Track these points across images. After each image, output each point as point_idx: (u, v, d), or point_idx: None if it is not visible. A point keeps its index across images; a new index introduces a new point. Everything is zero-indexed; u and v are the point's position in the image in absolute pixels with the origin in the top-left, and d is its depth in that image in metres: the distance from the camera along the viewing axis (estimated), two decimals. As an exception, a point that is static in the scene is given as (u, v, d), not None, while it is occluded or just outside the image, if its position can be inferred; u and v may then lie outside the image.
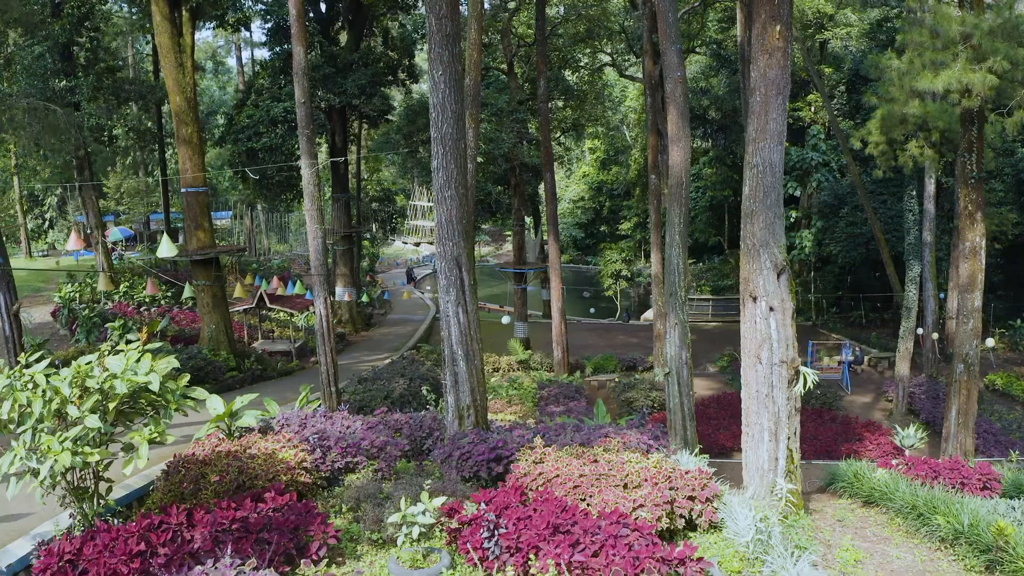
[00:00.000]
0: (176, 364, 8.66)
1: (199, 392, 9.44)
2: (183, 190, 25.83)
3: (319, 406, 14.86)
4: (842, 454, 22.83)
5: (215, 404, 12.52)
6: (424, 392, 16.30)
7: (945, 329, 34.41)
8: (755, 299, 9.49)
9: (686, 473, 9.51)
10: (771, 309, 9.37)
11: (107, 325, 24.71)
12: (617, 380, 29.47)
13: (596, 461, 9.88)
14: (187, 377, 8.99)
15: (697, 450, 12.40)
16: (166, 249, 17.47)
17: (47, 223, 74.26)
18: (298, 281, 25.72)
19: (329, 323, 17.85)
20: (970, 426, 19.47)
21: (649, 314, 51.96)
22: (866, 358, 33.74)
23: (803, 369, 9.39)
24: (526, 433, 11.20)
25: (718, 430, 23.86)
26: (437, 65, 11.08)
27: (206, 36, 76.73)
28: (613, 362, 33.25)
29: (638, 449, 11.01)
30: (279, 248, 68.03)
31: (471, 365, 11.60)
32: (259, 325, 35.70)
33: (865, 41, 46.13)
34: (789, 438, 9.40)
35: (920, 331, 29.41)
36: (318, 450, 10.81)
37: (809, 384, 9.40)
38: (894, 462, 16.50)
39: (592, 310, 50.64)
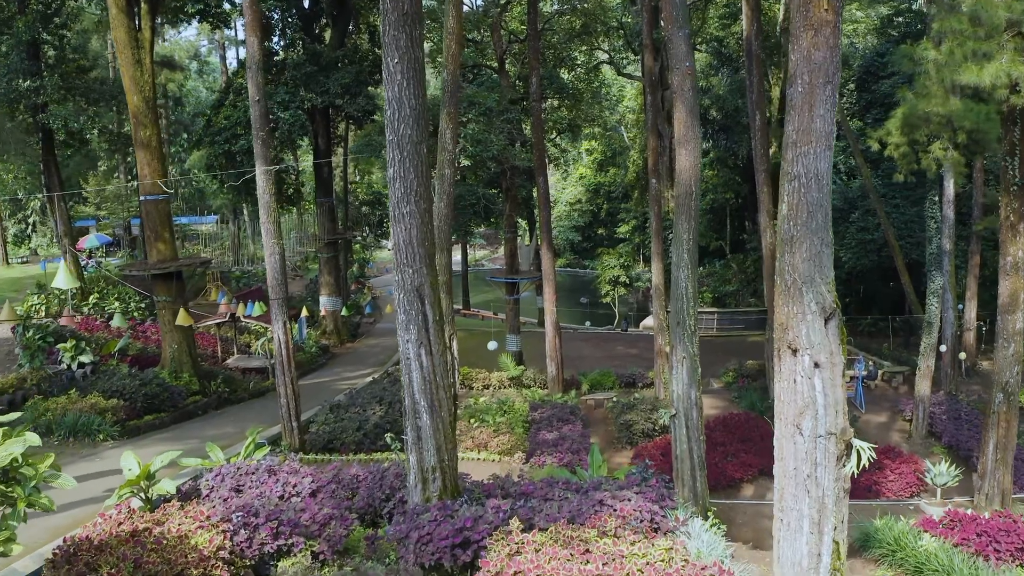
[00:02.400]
0: (36, 442, 6.55)
1: (64, 480, 7.32)
2: (142, 198, 23.75)
3: (264, 457, 12.73)
4: (862, 486, 20.75)
5: (129, 464, 10.41)
6: (388, 440, 14.20)
7: (963, 342, 32.40)
8: (795, 352, 7.39)
9: (703, 570, 7.44)
10: (816, 365, 7.29)
11: (58, 346, 22.58)
12: (615, 399, 27.38)
13: (588, 551, 7.80)
14: (51, 458, 6.87)
15: (712, 518, 10.29)
16: (63, 279, 15.37)
17: (30, 227, 72.15)
18: (258, 303, 23.61)
19: (289, 351, 15.77)
20: (1009, 462, 17.41)
21: (648, 321, 49.91)
22: (879, 372, 31.67)
23: (857, 443, 7.33)
24: (503, 505, 9.11)
25: (726, 458, 21.71)
26: (392, 51, 8.99)
27: (189, 35, 74.66)
28: (611, 378, 31.16)
29: (641, 524, 8.93)
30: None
31: (437, 419, 9.50)
32: (235, 339, 33.60)
33: (873, 37, 44.14)
34: (836, 528, 7.33)
35: (943, 348, 27.29)
36: (243, 530, 8.72)
37: (864, 462, 7.35)
38: (935, 515, 14.47)
39: (588, 323, 48.59)
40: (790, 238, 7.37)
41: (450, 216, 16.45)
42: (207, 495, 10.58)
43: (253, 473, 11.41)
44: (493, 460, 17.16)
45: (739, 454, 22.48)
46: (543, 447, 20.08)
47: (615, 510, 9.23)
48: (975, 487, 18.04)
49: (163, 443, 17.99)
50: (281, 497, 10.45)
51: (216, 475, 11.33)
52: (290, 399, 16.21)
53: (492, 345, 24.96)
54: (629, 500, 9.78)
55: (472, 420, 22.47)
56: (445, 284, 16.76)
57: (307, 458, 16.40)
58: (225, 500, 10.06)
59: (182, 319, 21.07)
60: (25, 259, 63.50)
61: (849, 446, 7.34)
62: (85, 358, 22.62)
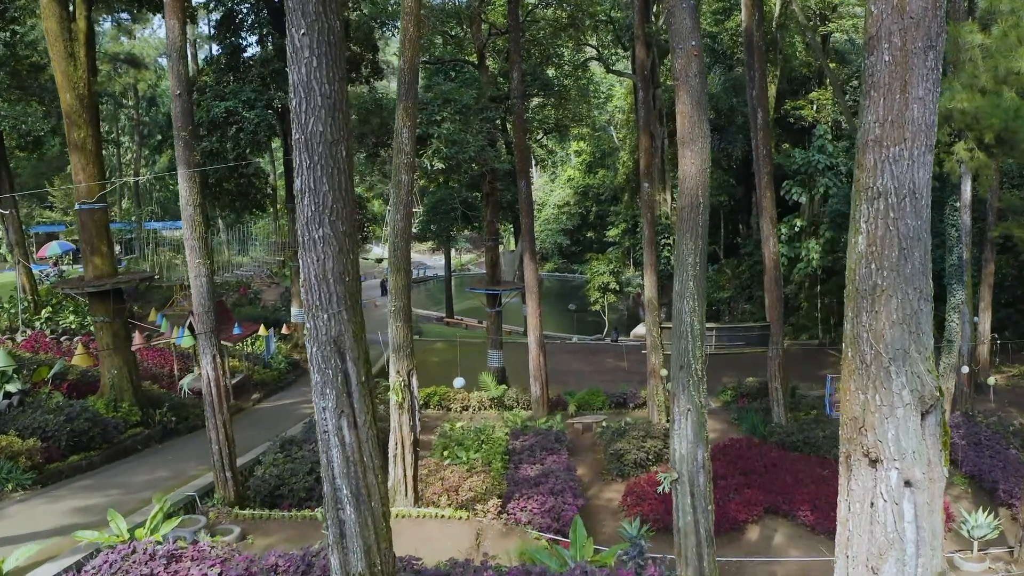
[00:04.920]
0: None
1: None
2: (76, 206, 21.31)
3: (171, 532, 10.32)
4: (882, 528, 18.49)
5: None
6: (319, 516, 11.77)
7: (976, 356, 30.23)
8: (875, 462, 5.05)
9: None
10: (907, 484, 4.98)
11: (-19, 374, 20.07)
12: (605, 424, 25.06)
13: None
14: None
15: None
16: None
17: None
18: (186, 332, 21.10)
19: (220, 389, 13.37)
20: (1056, 508, 15.18)
21: (640, 329, 47.61)
22: (889, 390, 29.42)
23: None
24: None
25: (727, 495, 19.35)
26: (298, 19, 6.65)
27: (162, 34, 72.14)
28: (600, 398, 28.85)
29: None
30: (242, 260, 63.26)
31: (365, 511, 7.14)
32: (195, 356, 31.07)
33: (874, 32, 41.96)
34: None
35: (965, 369, 24.99)
36: None
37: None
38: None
39: (575, 337, 46.04)
40: (871, 288, 5.00)
41: (407, 230, 14.09)
42: (74, 602, 8.22)
43: (149, 561, 9.02)
44: (460, 518, 14.75)
45: (741, 489, 20.19)
46: (523, 488, 17.74)
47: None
48: (1017, 538, 15.80)
49: (81, 493, 15.56)
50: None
51: (102, 564, 8.93)
52: (222, 445, 13.83)
53: (459, 383, 22.64)
54: (621, 609, 7.45)
55: (445, 453, 20.12)
56: (404, 309, 14.41)
57: (244, 514, 14.01)
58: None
59: (80, 360, 18.48)
60: (-9, 267, 60.77)
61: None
62: (12, 387, 20.12)
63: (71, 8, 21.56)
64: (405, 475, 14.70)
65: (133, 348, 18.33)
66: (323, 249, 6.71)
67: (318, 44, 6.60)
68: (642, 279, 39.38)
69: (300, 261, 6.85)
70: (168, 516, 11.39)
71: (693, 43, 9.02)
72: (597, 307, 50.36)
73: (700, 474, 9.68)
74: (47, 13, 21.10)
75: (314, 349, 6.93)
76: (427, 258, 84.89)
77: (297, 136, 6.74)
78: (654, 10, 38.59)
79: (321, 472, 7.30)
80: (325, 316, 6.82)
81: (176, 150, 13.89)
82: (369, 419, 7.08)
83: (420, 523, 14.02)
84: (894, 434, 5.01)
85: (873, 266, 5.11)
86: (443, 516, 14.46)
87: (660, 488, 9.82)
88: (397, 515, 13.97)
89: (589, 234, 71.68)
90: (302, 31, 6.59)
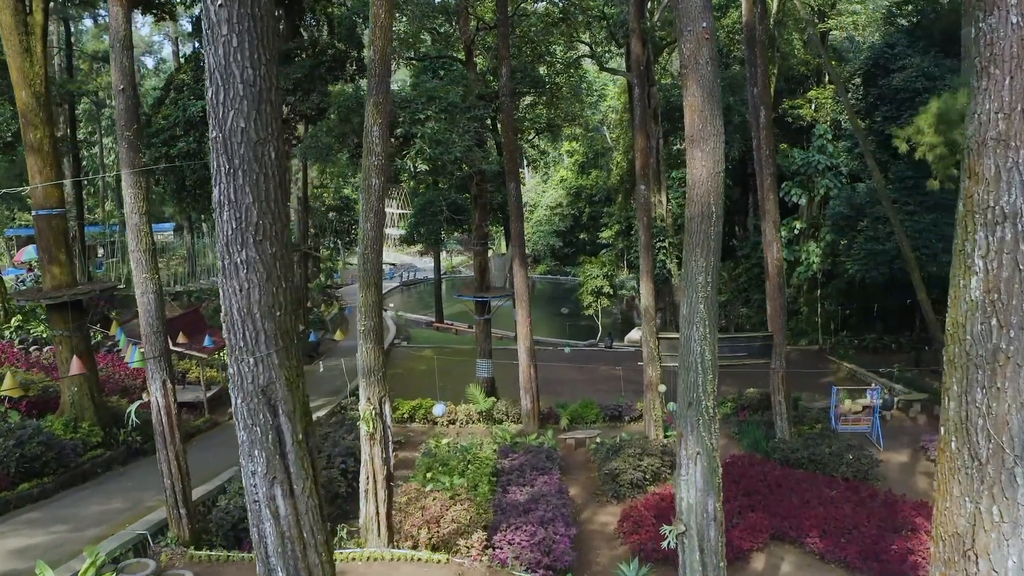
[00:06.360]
0: None
1: None
2: (34, 212, 19.89)
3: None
4: (894, 557, 17.12)
5: None
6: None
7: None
8: None
9: None
10: None
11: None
12: (599, 440, 23.77)
13: None
14: None
15: None
16: None
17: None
18: (136, 350, 19.64)
19: (171, 418, 11.96)
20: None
21: (634, 334, 46.32)
22: (895, 400, 28.13)
23: None
24: None
25: (731, 522, 17.96)
26: (215, -10, 5.28)
27: (144, 32, 70.64)
28: (594, 411, 27.53)
29: None
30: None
31: (305, 597, 5.78)
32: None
33: (873, 29, 40.79)
34: None
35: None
36: None
37: None
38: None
39: (567, 349, 44.57)
40: (991, 354, 3.60)
41: (379, 240, 12.72)
42: None
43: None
44: (438, 561, 13.36)
45: (744, 513, 18.88)
46: (511, 516, 16.40)
47: None
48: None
49: (25, 529, 14.14)
50: None
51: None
52: (175, 480, 12.45)
53: (438, 409, 21.34)
54: None
55: (428, 476, 18.73)
56: (375, 329, 13.05)
57: (200, 555, 12.63)
58: None
59: (11, 392, 16.98)
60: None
61: None
62: (-39, 404, 18.75)
63: (27, 1, 20.17)
64: (378, 512, 13.34)
65: (71, 374, 16.85)
66: (247, 276, 5.35)
67: (239, 18, 5.24)
68: (636, 281, 38.06)
69: (221, 291, 5.49)
70: (114, 560, 10.01)
71: (704, 24, 7.62)
72: (590, 311, 49.08)
73: (711, 527, 8.34)
74: (1, 6, 19.69)
75: (239, 401, 5.56)
76: (417, 260, 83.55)
77: (214, 134, 5.39)
78: (648, 6, 37.31)
79: (253, 549, 5.94)
80: (251, 360, 5.45)
81: (120, 152, 12.53)
82: (309, 486, 5.72)
83: (394, 567, 12.65)
84: (1016, 562, 3.65)
85: (994, 322, 3.69)
86: (419, 559, 13.07)
87: (665, 543, 8.50)
88: (369, 558, 12.62)
89: (582, 236, 70.39)
90: (219, 2, 5.22)
